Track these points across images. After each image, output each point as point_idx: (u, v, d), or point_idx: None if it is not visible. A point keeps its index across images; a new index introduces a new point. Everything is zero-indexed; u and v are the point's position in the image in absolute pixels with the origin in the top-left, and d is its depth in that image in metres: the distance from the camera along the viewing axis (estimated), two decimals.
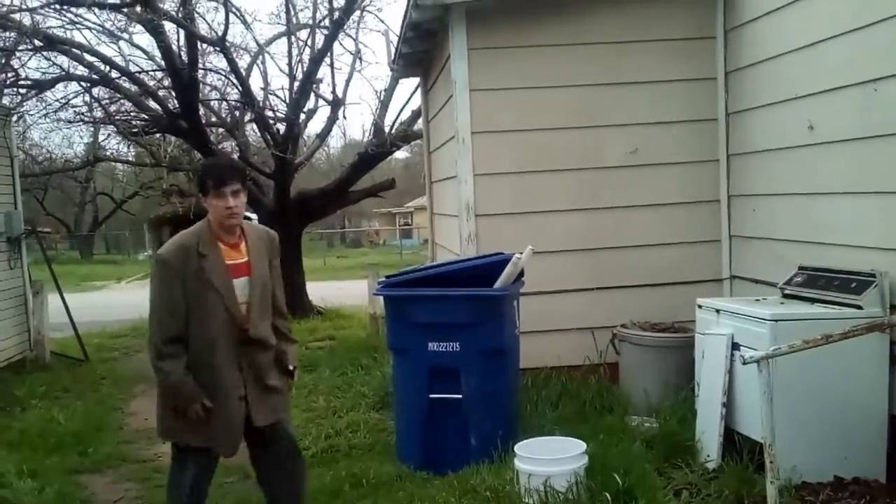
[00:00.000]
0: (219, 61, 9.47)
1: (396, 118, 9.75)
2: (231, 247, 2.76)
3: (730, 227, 4.80)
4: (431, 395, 3.80)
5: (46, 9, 7.65)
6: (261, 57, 9.62)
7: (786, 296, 3.80)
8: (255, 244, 2.83)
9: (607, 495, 2.99)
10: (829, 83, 3.70)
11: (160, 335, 2.68)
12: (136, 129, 9.83)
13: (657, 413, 4.05)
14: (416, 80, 7.75)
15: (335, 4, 8.56)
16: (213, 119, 10.22)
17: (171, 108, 8.94)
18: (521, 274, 3.96)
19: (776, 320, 3.27)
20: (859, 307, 3.31)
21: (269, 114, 9.79)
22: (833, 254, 3.70)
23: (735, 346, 3.49)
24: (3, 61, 8.55)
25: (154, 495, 3.95)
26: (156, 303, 2.70)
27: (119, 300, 14.71)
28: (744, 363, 2.90)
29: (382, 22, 17.33)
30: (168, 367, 2.67)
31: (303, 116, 9.66)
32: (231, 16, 8.23)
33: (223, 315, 2.70)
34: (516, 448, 3.33)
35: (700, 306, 3.88)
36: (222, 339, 2.71)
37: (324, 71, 9.08)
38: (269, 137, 9.54)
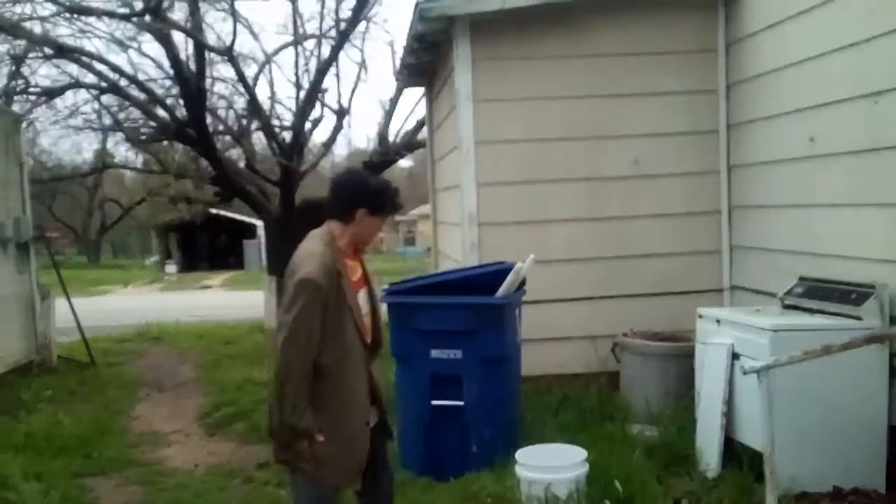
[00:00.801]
0: (226, 70, 9.58)
1: (401, 127, 9.85)
2: (351, 259, 2.63)
3: (730, 238, 4.82)
4: (433, 402, 3.82)
5: (57, 18, 7.78)
6: (268, 66, 9.73)
7: (786, 306, 3.81)
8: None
9: (608, 503, 3.00)
10: (830, 96, 3.74)
11: (302, 366, 2.40)
12: (144, 137, 9.93)
13: (657, 421, 4.06)
14: (420, 90, 7.82)
15: (341, 16, 8.67)
16: (221, 127, 10.31)
17: (179, 116, 9.03)
18: (523, 282, 3.99)
19: (776, 330, 3.28)
20: (859, 318, 3.33)
21: (276, 122, 9.87)
22: (833, 265, 3.72)
23: (735, 356, 3.51)
24: (14, 69, 8.68)
25: (158, 499, 3.97)
26: (298, 331, 2.39)
27: (126, 305, 14.78)
28: (744, 373, 2.92)
29: (388, 33, 17.52)
30: (301, 402, 2.40)
31: (308, 125, 9.75)
32: (239, 26, 8.36)
33: (354, 332, 2.53)
34: (517, 455, 3.35)
35: (700, 316, 3.90)
36: (354, 357, 2.54)
37: (330, 80, 9.21)
38: (275, 146, 9.62)
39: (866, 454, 3.26)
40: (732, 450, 3.48)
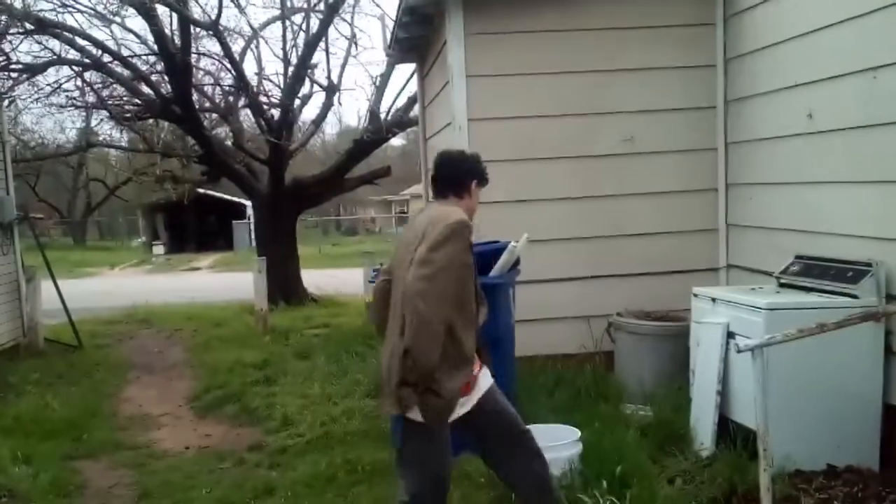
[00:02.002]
0: (212, 45, 9.37)
1: (392, 104, 9.69)
2: None
3: (727, 216, 4.79)
4: None
5: None
6: (255, 41, 9.54)
7: (782, 285, 3.80)
8: None
9: (603, 482, 3.00)
10: (828, 71, 3.68)
11: (445, 304, 2.39)
12: (128, 115, 9.72)
13: (652, 401, 4.06)
14: (412, 66, 7.68)
15: None
16: (207, 104, 10.13)
17: (164, 92, 8.85)
18: (517, 262, 3.94)
19: (771, 309, 3.27)
20: (855, 296, 3.32)
21: (264, 99, 9.71)
22: (830, 243, 3.70)
23: (730, 335, 3.50)
24: None
25: (148, 481, 3.94)
26: (448, 267, 2.38)
27: (113, 287, 14.66)
28: (738, 352, 2.90)
29: (378, 6, 17.19)
30: (438, 346, 2.39)
31: (297, 102, 9.59)
32: None
33: (473, 295, 2.57)
34: None
35: (696, 295, 3.88)
36: (472, 318, 2.56)
37: (319, 56, 9.04)
38: (263, 123, 9.47)
39: (861, 432, 3.27)
40: (727, 429, 3.48)
